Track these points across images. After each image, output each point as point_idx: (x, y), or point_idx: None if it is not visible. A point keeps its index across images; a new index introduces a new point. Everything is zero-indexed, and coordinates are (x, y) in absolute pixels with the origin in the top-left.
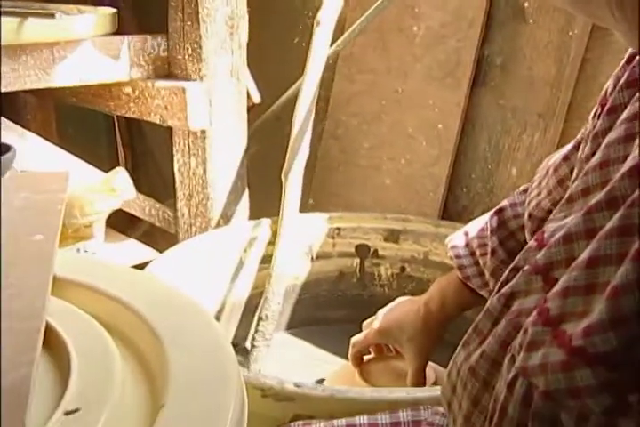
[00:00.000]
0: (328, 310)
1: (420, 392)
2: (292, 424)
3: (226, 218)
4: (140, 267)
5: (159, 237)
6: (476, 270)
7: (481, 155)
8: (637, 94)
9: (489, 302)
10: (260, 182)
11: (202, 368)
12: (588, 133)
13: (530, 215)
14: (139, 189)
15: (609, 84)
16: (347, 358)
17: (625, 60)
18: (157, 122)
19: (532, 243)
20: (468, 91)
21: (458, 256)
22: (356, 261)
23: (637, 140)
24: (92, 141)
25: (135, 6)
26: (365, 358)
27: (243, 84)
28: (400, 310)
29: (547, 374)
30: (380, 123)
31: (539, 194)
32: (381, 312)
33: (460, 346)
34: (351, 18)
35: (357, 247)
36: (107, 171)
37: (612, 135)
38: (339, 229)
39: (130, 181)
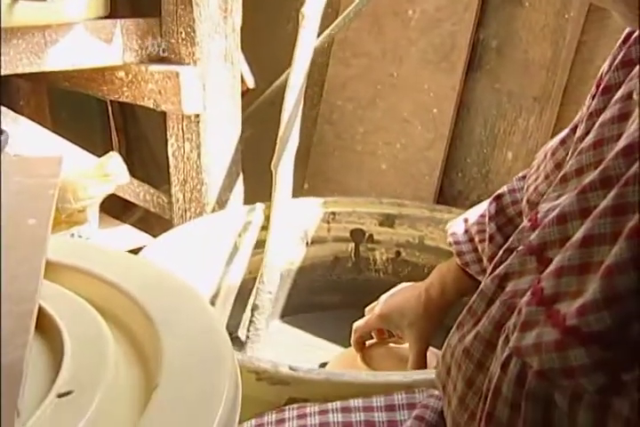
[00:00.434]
0: (323, 295)
1: (415, 375)
2: (287, 408)
3: (220, 203)
4: (135, 252)
5: (154, 223)
6: (475, 257)
7: (476, 139)
8: (632, 73)
9: (483, 283)
10: (254, 167)
11: (195, 351)
12: (584, 115)
13: (528, 200)
14: (133, 174)
15: (605, 64)
16: (342, 344)
17: (621, 40)
18: (151, 106)
19: (525, 223)
20: (464, 75)
21: (457, 242)
22: (351, 245)
23: (632, 119)
24: (85, 127)
25: None
26: (367, 343)
27: (236, 68)
28: (401, 295)
29: (541, 354)
30: (375, 107)
31: (536, 179)
32: (383, 298)
33: (454, 328)
34: (346, 1)
35: (352, 232)
36: (100, 156)
37: (606, 114)
38: (334, 213)
39: (123, 166)
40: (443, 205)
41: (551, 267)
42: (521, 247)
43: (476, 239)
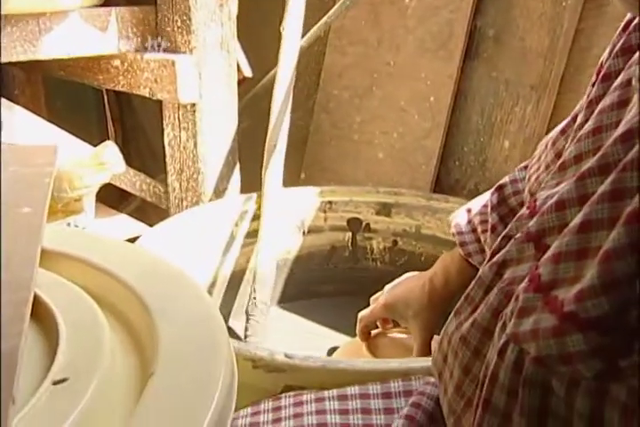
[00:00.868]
0: (320, 285)
1: (411, 363)
2: (283, 395)
3: (217, 192)
4: (132, 242)
5: (151, 213)
6: (478, 247)
7: (473, 127)
8: (632, 60)
9: (481, 270)
10: (251, 156)
11: (192, 338)
12: (584, 103)
13: (529, 191)
14: (129, 163)
15: (605, 52)
16: (339, 331)
17: (621, 27)
18: (147, 95)
19: (523, 211)
20: (461, 63)
21: (460, 233)
22: (348, 234)
23: (631, 106)
24: (81, 116)
25: None
26: (373, 332)
27: (233, 56)
28: (406, 285)
29: (538, 340)
30: (372, 96)
31: (538, 169)
32: (388, 287)
33: (451, 315)
34: None
35: (349, 221)
36: (96, 146)
37: (605, 101)
38: (330, 202)
39: (119, 155)
40: (440, 193)
41: (549, 253)
42: (519, 234)
43: (479, 230)
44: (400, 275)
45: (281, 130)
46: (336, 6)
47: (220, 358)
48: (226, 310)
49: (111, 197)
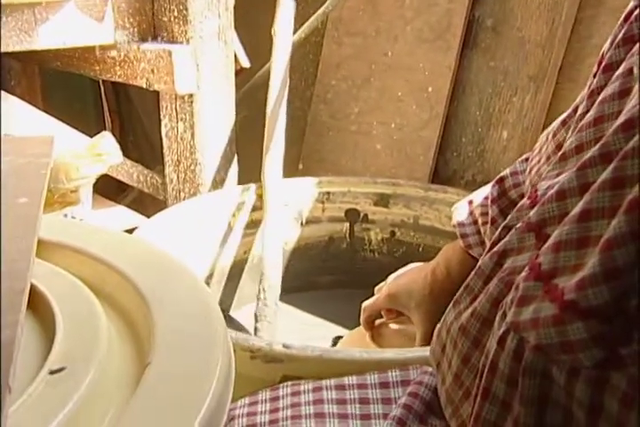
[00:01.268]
0: (318, 276)
1: (408, 353)
2: (281, 385)
3: (215, 184)
4: (129, 233)
5: (148, 204)
6: (478, 239)
7: (471, 118)
8: (633, 49)
9: (481, 260)
10: (249, 147)
11: (189, 328)
12: (585, 94)
13: (530, 183)
14: (127, 155)
15: (607, 43)
16: (337, 323)
17: (623, 17)
18: (144, 86)
19: (524, 201)
20: (459, 53)
21: (461, 225)
22: (346, 225)
23: (632, 95)
24: (78, 107)
25: None
26: (377, 321)
27: (230, 47)
28: (409, 276)
29: (538, 329)
30: (370, 87)
31: (539, 161)
32: (391, 278)
33: (450, 305)
34: None
35: (347, 212)
36: (93, 137)
37: (606, 91)
38: (328, 193)
39: (116, 146)
40: (438, 184)
41: (549, 242)
42: (520, 224)
43: (480, 222)
44: (398, 266)
45: (278, 120)
46: None
47: (217, 348)
48: (226, 300)
49: (108, 189)
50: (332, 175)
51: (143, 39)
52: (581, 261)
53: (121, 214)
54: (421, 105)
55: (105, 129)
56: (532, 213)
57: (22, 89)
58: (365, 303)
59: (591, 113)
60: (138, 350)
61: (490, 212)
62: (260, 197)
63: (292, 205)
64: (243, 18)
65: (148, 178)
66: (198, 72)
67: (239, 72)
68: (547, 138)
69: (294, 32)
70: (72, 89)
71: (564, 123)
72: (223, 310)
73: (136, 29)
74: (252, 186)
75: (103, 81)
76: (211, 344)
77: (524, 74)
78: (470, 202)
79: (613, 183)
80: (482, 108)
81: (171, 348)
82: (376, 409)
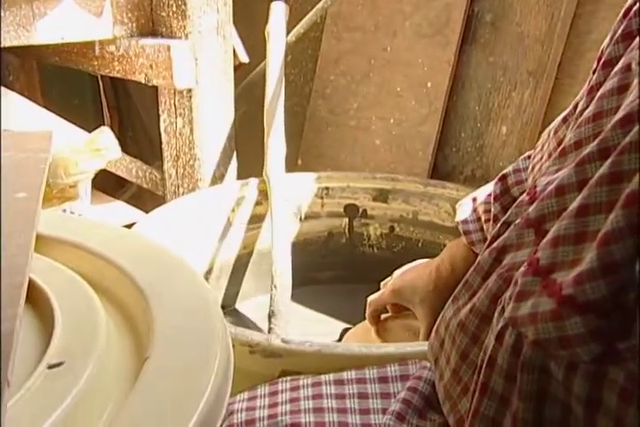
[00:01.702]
0: (317, 271)
1: (407, 347)
2: (280, 380)
3: (214, 179)
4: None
5: (147, 199)
6: (481, 236)
7: (470, 113)
8: (632, 45)
9: (480, 256)
10: (248, 142)
11: (187, 323)
12: (585, 90)
13: (532, 180)
14: (125, 150)
15: (606, 39)
16: (337, 318)
17: (622, 13)
18: (142, 81)
19: (523, 197)
20: (458, 48)
21: (464, 222)
22: (345, 221)
23: (630, 90)
24: (77, 103)
25: None
26: (382, 316)
27: (229, 42)
28: (414, 271)
29: (536, 324)
30: (369, 82)
31: (540, 158)
32: (397, 273)
33: (449, 301)
34: None
35: (346, 207)
36: (92, 132)
37: (605, 87)
38: (327, 188)
39: (115, 141)
40: (437, 179)
41: (547, 237)
42: (519, 220)
43: (483, 219)
44: (397, 261)
45: (276, 116)
46: None
47: (216, 342)
48: (229, 294)
49: (107, 184)
50: (330, 171)
51: (142, 34)
52: (579, 255)
53: (120, 210)
54: (420, 100)
55: (104, 124)
56: (531, 208)
57: (21, 84)
58: (371, 298)
59: (590, 109)
60: (136, 345)
61: (492, 209)
62: (260, 191)
63: (291, 201)
64: (241, 13)
65: (147, 173)
66: (197, 67)
67: (238, 67)
68: (548, 135)
69: (293, 27)
70: (71, 84)
71: (564, 120)
72: (226, 305)
73: (134, 24)
74: (252, 181)
75: (102, 76)
76: (209, 339)
77: (524, 69)
78: (474, 199)
79: (611, 178)
80: (481, 104)
81: (169, 342)
82: (375, 404)
